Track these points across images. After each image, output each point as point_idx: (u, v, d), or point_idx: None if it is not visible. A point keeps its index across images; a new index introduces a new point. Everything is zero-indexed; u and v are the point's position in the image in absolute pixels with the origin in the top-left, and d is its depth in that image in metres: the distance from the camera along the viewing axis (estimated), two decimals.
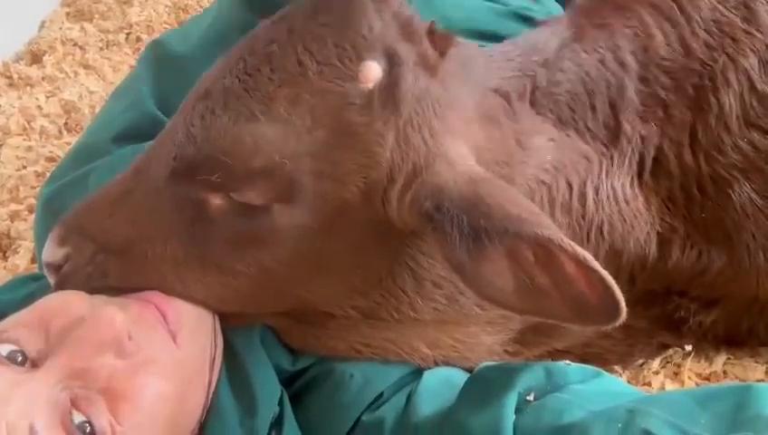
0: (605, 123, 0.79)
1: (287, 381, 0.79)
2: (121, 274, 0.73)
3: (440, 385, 0.73)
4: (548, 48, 0.81)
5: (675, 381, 0.87)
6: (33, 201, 1.20)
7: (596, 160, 0.79)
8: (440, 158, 0.66)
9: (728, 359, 0.88)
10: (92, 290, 0.73)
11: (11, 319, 0.70)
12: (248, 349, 0.77)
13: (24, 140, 1.41)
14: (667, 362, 0.89)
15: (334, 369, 0.77)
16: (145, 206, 0.72)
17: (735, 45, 0.79)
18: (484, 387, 0.69)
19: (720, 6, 0.81)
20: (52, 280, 0.76)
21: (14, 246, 1.18)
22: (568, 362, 0.72)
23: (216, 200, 0.69)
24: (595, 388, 0.68)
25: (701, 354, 0.89)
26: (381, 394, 0.75)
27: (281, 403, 0.76)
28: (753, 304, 0.84)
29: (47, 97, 1.49)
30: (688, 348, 0.88)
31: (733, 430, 0.57)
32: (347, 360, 0.78)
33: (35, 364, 0.65)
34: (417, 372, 0.78)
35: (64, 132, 1.42)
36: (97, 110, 1.39)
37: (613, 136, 0.79)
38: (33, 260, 1.14)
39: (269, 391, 0.75)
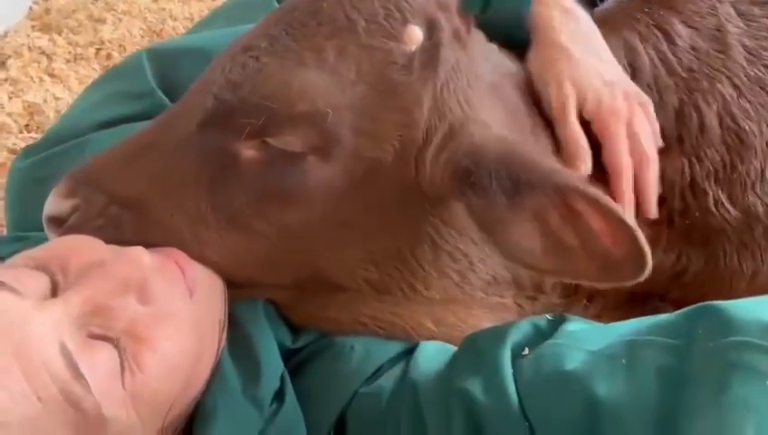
0: None
1: (285, 358, 0.76)
2: (136, 228, 0.70)
3: (438, 349, 0.73)
4: None
5: None
6: None
7: None
8: (474, 121, 0.70)
9: None
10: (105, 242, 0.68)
11: (22, 254, 0.65)
12: (252, 321, 0.74)
13: None
14: None
15: (334, 341, 0.76)
16: (167, 157, 0.70)
17: (711, 69, 0.89)
18: (475, 351, 0.68)
19: (697, 38, 0.91)
20: (53, 236, 0.71)
21: None
22: (548, 316, 0.71)
23: (249, 151, 0.68)
24: (587, 326, 0.68)
25: None
26: (381, 368, 0.74)
27: (281, 378, 0.73)
28: None
29: (9, 97, 1.42)
30: None
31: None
32: (350, 334, 0.76)
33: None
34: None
35: (25, 132, 1.35)
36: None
37: None
38: None
39: (272, 362, 0.72)
